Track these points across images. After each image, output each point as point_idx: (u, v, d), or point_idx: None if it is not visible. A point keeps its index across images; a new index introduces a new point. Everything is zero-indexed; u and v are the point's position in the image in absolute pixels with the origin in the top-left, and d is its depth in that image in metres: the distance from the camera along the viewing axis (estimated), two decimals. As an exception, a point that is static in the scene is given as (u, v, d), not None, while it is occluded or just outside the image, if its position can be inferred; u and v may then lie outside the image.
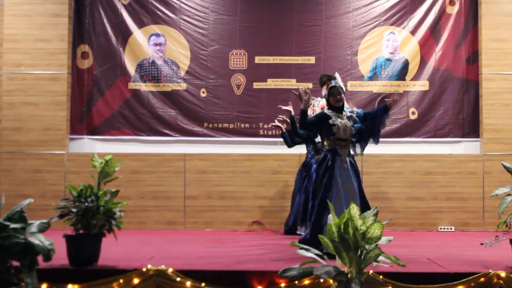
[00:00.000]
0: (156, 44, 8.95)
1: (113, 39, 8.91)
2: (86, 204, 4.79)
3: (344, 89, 5.79)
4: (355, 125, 5.75)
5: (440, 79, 8.84)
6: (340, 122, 5.65)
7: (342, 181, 5.56)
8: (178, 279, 4.47)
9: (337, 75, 5.92)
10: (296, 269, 3.98)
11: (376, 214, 4.05)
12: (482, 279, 4.46)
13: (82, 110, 8.87)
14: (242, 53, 8.93)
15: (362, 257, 3.89)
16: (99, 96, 8.88)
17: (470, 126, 8.80)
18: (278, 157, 8.53)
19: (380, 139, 8.51)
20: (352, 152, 5.81)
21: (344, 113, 5.75)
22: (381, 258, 3.94)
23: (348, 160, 5.69)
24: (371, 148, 8.10)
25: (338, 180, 5.55)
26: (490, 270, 4.51)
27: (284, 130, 7.00)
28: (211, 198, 8.51)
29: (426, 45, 8.90)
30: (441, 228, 8.41)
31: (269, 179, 8.48)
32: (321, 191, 5.55)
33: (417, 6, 8.90)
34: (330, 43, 8.91)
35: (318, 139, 6.48)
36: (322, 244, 4.13)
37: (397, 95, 5.90)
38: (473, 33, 8.84)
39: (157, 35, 8.96)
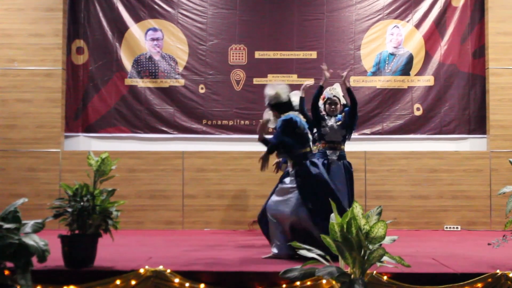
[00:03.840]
0: (153, 39, 8.94)
1: (109, 34, 8.91)
2: (82, 203, 4.79)
3: (341, 99, 6.27)
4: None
5: (446, 74, 8.84)
6: (331, 124, 6.14)
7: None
8: (176, 280, 4.47)
9: (336, 85, 6.35)
10: (298, 270, 3.99)
11: (379, 213, 4.05)
12: (489, 280, 4.46)
13: (77, 107, 8.87)
14: (242, 48, 8.92)
15: (366, 257, 3.89)
16: (95, 93, 8.88)
17: (477, 122, 8.80)
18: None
19: (385, 136, 8.71)
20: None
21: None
22: (385, 258, 3.94)
23: (337, 163, 6.12)
24: (374, 145, 8.16)
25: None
26: (498, 271, 4.51)
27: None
28: (210, 197, 8.51)
29: (431, 39, 8.89)
30: (447, 228, 8.41)
31: (270, 177, 8.39)
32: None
33: (422, -1, 8.91)
34: (332, 38, 8.91)
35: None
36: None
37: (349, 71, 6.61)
38: (480, 27, 8.83)
39: (154, 29, 8.95)
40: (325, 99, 6.27)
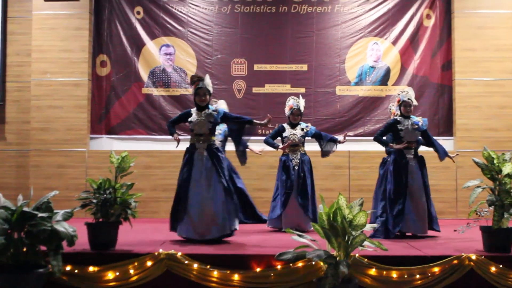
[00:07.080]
0: (166, 54, 8.95)
1: (128, 49, 8.91)
2: (105, 195, 4.80)
3: (414, 101, 6.20)
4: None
5: (418, 84, 8.84)
6: (407, 126, 6.09)
7: None
8: (186, 262, 4.48)
9: (409, 89, 6.31)
10: (291, 253, 4.00)
11: (361, 204, 4.07)
12: (455, 261, 4.47)
13: (101, 112, 8.88)
14: (243, 62, 8.92)
15: (349, 242, 3.90)
16: (116, 100, 8.89)
17: (445, 126, 8.81)
18: (274, 153, 8.46)
19: (366, 138, 8.69)
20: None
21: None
22: (366, 243, 3.96)
23: (413, 161, 6.13)
24: (357, 146, 8.16)
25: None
26: (462, 254, 4.52)
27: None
28: (216, 190, 8.50)
29: (406, 54, 8.90)
30: (419, 216, 8.40)
31: (267, 173, 8.44)
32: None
33: (398, 19, 8.90)
34: (321, 52, 8.91)
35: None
36: None
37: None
38: (447, 44, 8.84)
39: (167, 45, 8.95)
40: (400, 102, 6.13)
